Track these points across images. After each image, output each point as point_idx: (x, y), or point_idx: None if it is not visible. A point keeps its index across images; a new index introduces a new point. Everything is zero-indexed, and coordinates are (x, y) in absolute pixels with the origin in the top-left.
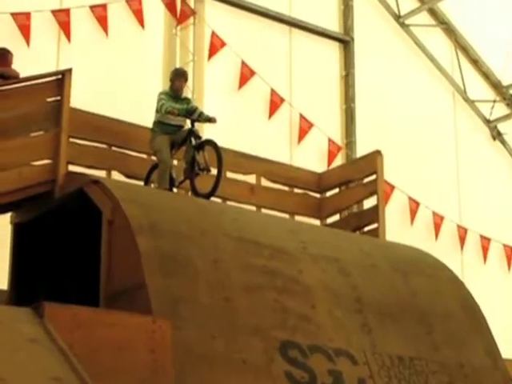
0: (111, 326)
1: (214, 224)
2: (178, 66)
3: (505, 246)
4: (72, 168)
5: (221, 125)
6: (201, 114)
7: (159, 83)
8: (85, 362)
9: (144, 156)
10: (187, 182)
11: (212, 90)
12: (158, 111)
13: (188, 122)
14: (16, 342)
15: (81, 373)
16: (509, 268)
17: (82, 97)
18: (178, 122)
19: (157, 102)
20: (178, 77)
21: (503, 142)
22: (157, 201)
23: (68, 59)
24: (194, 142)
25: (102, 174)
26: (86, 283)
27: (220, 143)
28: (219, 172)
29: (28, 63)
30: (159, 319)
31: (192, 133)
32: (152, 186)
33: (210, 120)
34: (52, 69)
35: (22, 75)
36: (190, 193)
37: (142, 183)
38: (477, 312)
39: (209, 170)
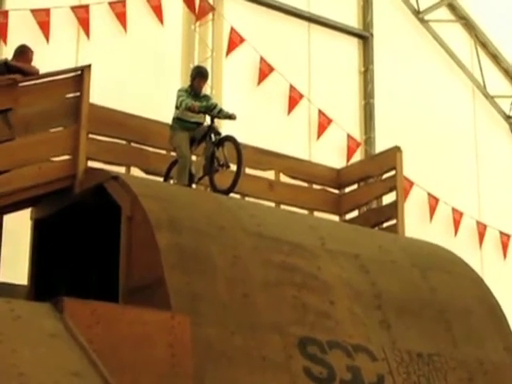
0: (130, 322)
1: (233, 220)
2: (196, 62)
3: None
4: (91, 164)
5: (239, 121)
6: (221, 110)
7: (178, 79)
8: (104, 357)
9: (163, 152)
10: (206, 178)
11: (230, 86)
12: (177, 107)
13: (207, 118)
14: (36, 337)
15: (100, 368)
16: None
17: (101, 93)
18: (197, 119)
19: (176, 99)
20: (199, 76)
21: None
22: (176, 197)
23: (87, 55)
24: (213, 138)
25: (121, 170)
26: (106, 278)
27: (238, 139)
28: (239, 168)
29: (47, 59)
30: (178, 315)
31: (212, 129)
32: (171, 181)
33: (230, 117)
34: (71, 65)
35: (42, 71)
36: (209, 189)
37: (161, 179)
38: (496, 309)
39: (228, 166)
